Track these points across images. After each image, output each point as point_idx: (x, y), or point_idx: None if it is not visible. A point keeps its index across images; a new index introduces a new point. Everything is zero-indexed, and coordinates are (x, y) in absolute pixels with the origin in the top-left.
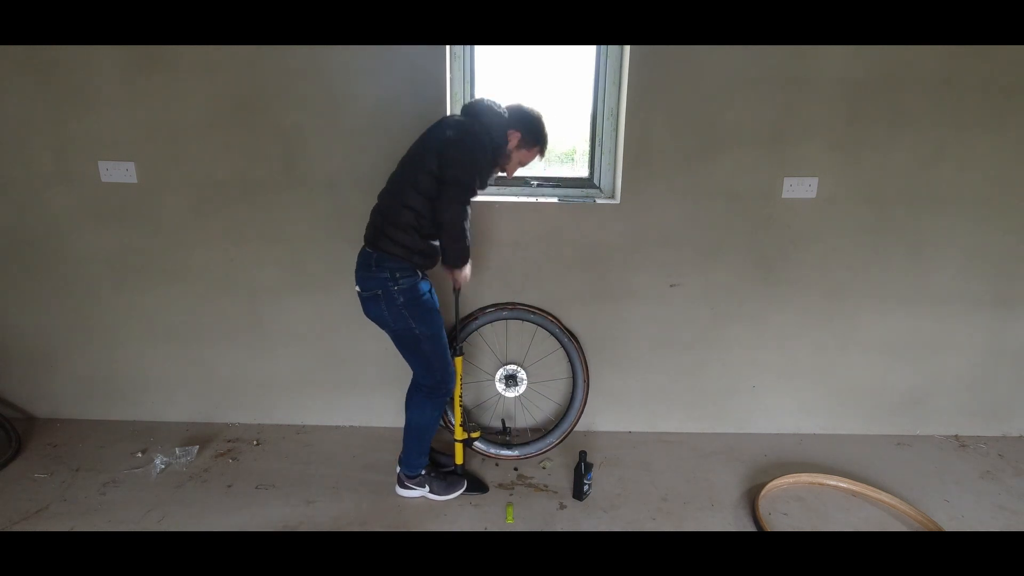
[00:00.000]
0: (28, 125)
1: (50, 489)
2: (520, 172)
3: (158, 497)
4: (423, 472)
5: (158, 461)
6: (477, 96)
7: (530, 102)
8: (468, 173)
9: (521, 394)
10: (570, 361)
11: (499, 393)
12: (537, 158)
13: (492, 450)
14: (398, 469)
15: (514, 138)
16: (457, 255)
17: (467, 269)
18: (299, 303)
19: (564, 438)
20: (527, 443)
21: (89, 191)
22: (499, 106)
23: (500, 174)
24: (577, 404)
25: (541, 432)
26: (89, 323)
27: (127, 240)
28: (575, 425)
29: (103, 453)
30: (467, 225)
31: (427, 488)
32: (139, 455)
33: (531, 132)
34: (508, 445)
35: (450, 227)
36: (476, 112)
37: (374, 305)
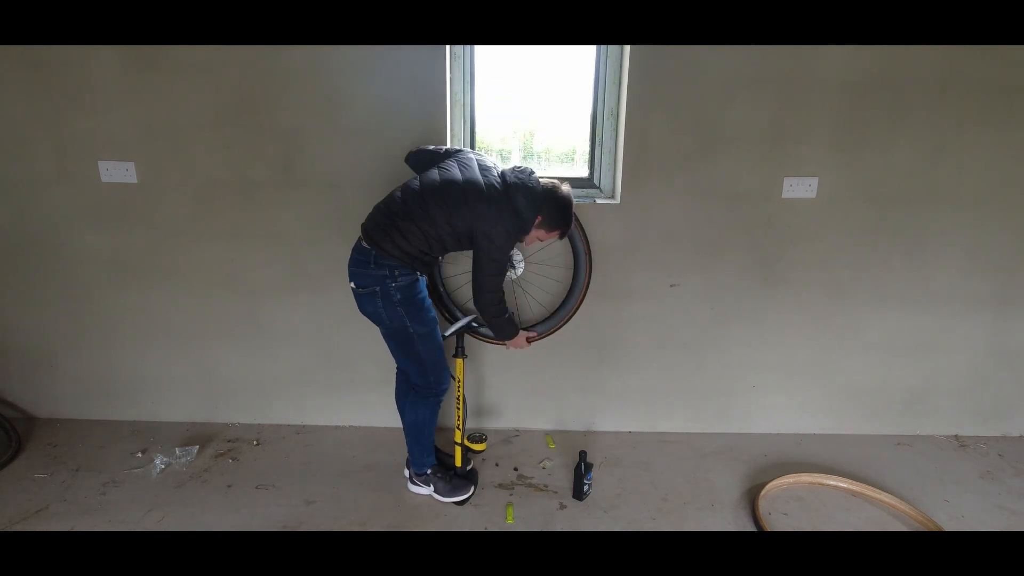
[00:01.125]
0: (28, 125)
1: (50, 489)
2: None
3: (158, 497)
4: (428, 471)
5: (158, 461)
6: (519, 167)
7: (565, 187)
8: (505, 254)
9: (519, 276)
10: (571, 243)
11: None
12: (555, 238)
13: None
14: (407, 473)
15: (538, 220)
16: (504, 328)
17: (520, 337)
18: (299, 303)
19: (569, 318)
20: (533, 326)
21: (89, 191)
22: (535, 192)
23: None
24: (580, 284)
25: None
26: (89, 323)
27: (127, 240)
28: (579, 305)
29: (103, 453)
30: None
31: (432, 487)
32: (139, 455)
33: (555, 219)
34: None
35: (489, 305)
36: (512, 189)
37: (370, 302)
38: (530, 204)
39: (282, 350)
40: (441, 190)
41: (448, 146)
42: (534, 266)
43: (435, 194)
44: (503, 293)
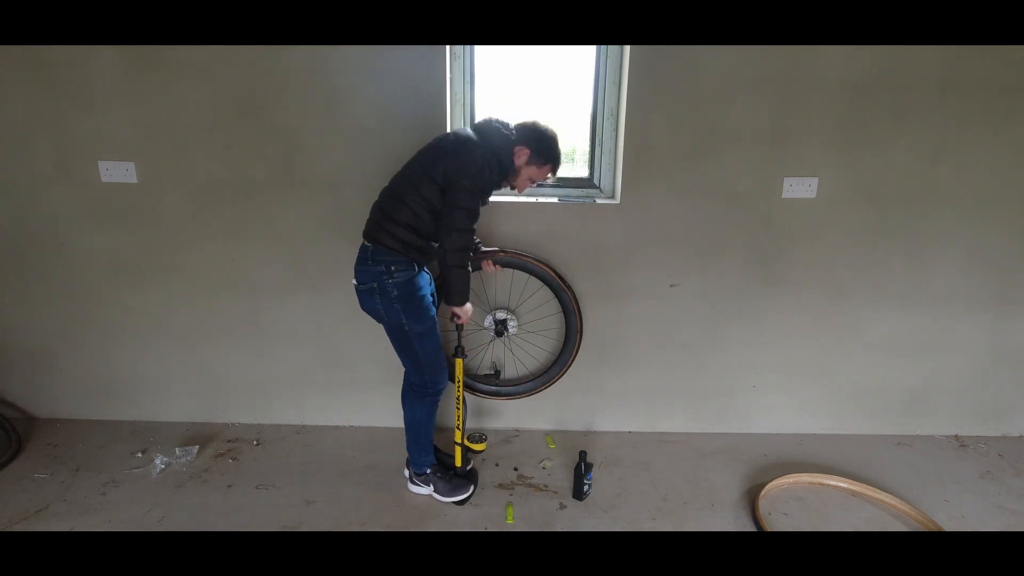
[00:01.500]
0: (28, 125)
1: (50, 489)
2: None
3: (158, 497)
4: (428, 471)
5: (158, 461)
6: (487, 116)
7: (546, 120)
8: (473, 198)
9: (511, 336)
10: (562, 304)
11: (491, 337)
12: (549, 176)
13: (480, 387)
14: (407, 473)
15: (522, 155)
16: (457, 284)
17: (468, 305)
18: (299, 303)
19: (555, 380)
20: (518, 384)
21: (89, 191)
22: (507, 127)
23: (510, 188)
24: (571, 346)
25: (531, 377)
26: (89, 323)
27: (127, 240)
28: (568, 368)
29: (103, 453)
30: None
31: (432, 487)
32: (139, 455)
33: (541, 150)
34: (498, 386)
35: (453, 253)
36: (485, 134)
37: (369, 298)
38: (505, 143)
39: (282, 350)
40: (418, 156)
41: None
42: (528, 325)
43: (413, 163)
44: (471, 243)
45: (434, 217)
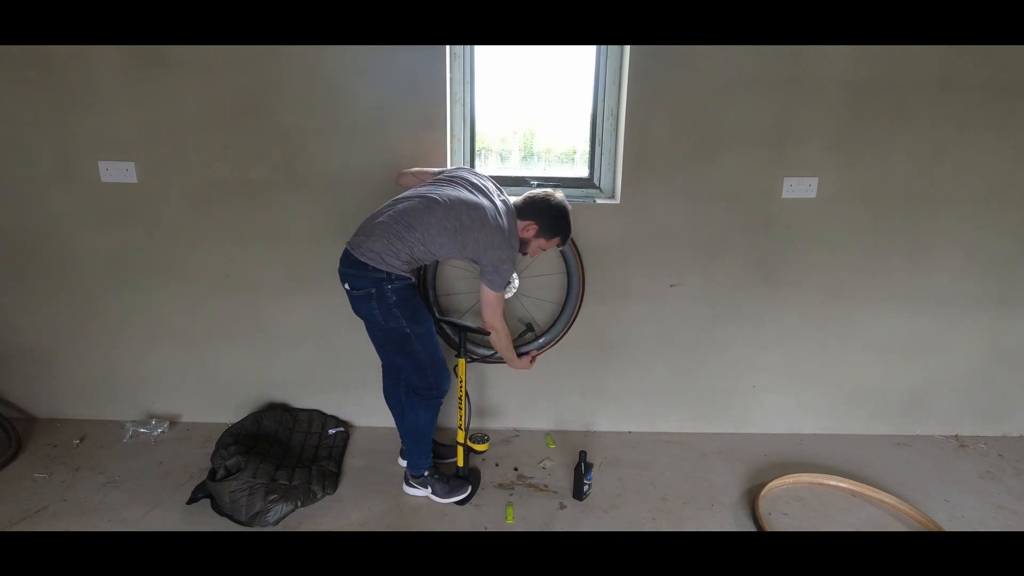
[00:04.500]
0: (28, 125)
1: (50, 489)
2: (520, 172)
3: (158, 497)
4: (426, 473)
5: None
6: (517, 166)
7: (558, 194)
8: (506, 276)
9: (511, 297)
10: (564, 259)
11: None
12: (558, 245)
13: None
14: (402, 462)
15: (531, 230)
16: (505, 350)
17: (524, 360)
18: (299, 303)
19: (565, 332)
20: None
21: (89, 191)
22: (509, 209)
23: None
24: (574, 298)
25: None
26: (89, 323)
27: (127, 240)
28: (575, 317)
29: (103, 453)
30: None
31: (429, 489)
32: (139, 455)
33: (550, 227)
34: (537, 338)
35: (492, 326)
36: (506, 212)
37: (365, 303)
38: (512, 222)
39: (282, 350)
40: (442, 211)
41: (443, 168)
42: (528, 280)
43: (435, 216)
44: (505, 322)
45: (441, 256)
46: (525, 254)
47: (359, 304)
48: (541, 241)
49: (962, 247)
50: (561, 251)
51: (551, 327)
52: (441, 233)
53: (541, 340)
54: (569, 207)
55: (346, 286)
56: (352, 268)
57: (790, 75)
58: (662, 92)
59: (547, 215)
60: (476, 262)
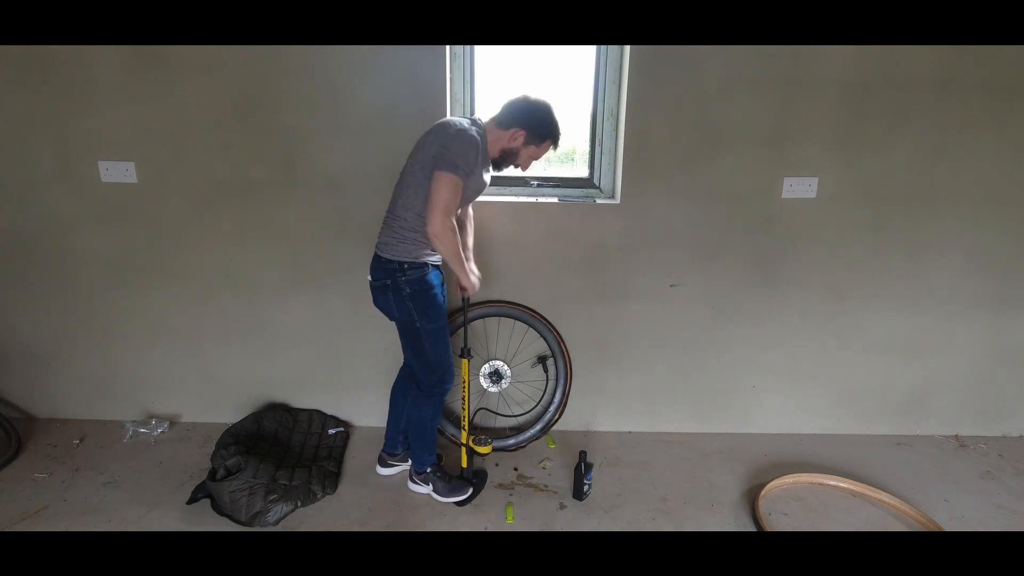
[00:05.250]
0: (28, 125)
1: (50, 489)
2: (517, 173)
3: (158, 497)
4: (428, 470)
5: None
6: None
7: (536, 92)
8: (460, 159)
9: (503, 390)
10: (552, 353)
11: (483, 389)
12: (551, 150)
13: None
14: (381, 470)
15: (518, 137)
16: (453, 258)
17: (474, 277)
18: (299, 303)
19: (542, 434)
20: (505, 437)
21: (89, 191)
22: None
23: (515, 167)
24: (557, 399)
25: (519, 429)
26: (89, 323)
27: (127, 240)
28: (554, 422)
29: (103, 453)
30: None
31: (431, 487)
32: (139, 455)
33: (537, 128)
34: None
35: (435, 233)
36: (475, 122)
37: (382, 295)
38: (482, 132)
39: (282, 350)
40: (412, 152)
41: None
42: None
43: (405, 167)
44: (457, 204)
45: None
46: (518, 166)
47: (377, 296)
48: (531, 148)
49: (962, 247)
50: (544, 339)
51: (541, 415)
52: (409, 175)
53: (535, 430)
54: (551, 105)
55: (368, 278)
56: (374, 262)
57: (790, 75)
58: (662, 92)
59: (532, 117)
60: (434, 166)
